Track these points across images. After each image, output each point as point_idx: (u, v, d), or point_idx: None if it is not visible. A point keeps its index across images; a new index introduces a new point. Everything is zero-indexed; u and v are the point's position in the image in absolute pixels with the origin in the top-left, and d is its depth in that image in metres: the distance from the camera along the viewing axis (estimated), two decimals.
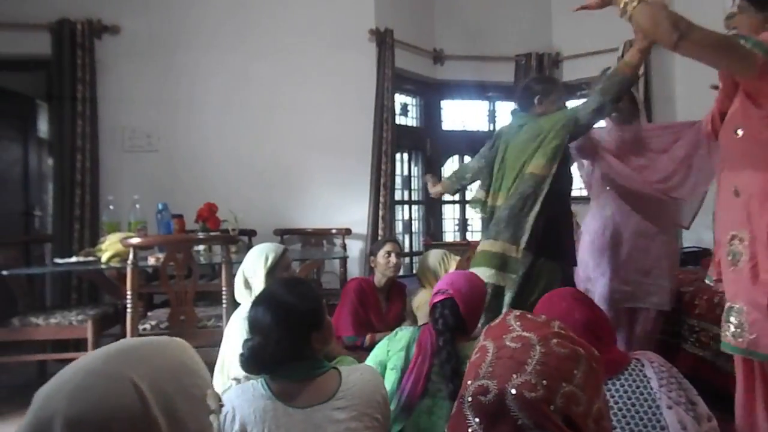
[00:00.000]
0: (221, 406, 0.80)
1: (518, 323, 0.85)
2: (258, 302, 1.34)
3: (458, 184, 2.69)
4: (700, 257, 3.40)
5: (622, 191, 2.60)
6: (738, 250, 1.59)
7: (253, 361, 1.26)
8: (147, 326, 2.69)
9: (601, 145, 2.61)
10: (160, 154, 3.91)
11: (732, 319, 1.60)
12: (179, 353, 0.79)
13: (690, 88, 4.07)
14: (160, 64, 3.90)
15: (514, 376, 0.76)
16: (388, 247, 2.67)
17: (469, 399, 0.78)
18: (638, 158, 2.57)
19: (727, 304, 1.65)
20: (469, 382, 0.81)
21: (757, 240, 1.54)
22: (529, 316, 0.89)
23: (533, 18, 4.81)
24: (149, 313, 2.90)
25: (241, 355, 1.27)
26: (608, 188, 2.66)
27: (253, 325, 1.30)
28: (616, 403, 1.19)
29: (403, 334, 1.72)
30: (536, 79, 2.83)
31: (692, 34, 1.53)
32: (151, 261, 2.75)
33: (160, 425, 0.67)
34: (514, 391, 0.74)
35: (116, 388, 0.67)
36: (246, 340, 1.29)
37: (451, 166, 5.02)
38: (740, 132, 1.62)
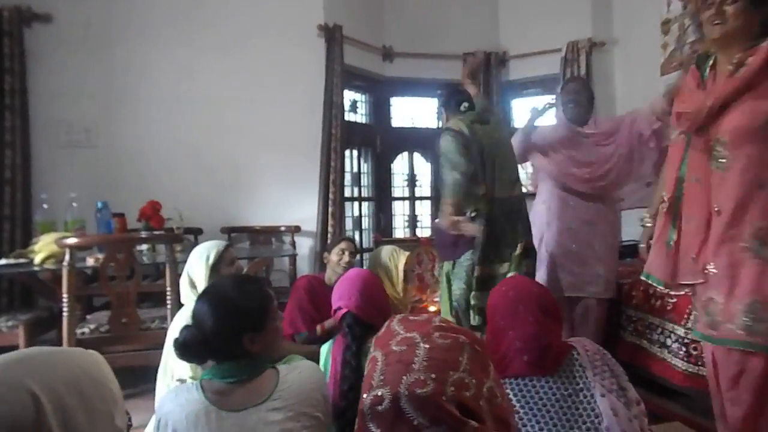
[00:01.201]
0: (130, 425, 0.78)
1: (401, 326, 0.88)
2: (203, 293, 1.33)
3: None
4: (638, 250, 3.55)
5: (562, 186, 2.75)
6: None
7: (184, 348, 1.25)
8: (86, 330, 2.58)
9: (538, 146, 2.76)
10: (99, 150, 3.74)
11: (752, 313, 1.54)
12: (88, 365, 0.76)
13: (630, 89, 4.27)
14: (98, 56, 3.73)
15: (404, 377, 0.78)
16: (343, 245, 2.65)
17: (368, 411, 0.80)
18: (587, 154, 2.71)
19: (748, 299, 1.56)
20: (364, 396, 0.83)
21: None
22: (411, 317, 0.91)
23: (481, 17, 4.89)
24: (88, 317, 2.79)
25: (176, 340, 1.25)
26: (546, 183, 2.81)
27: (193, 314, 1.29)
28: (555, 394, 1.23)
29: (324, 347, 1.74)
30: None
31: None
32: (90, 262, 2.64)
33: None
34: (406, 393, 0.76)
35: (11, 396, 0.65)
36: (184, 327, 1.28)
37: (400, 163, 5.04)
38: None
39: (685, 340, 2.33)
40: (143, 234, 2.90)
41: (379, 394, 0.79)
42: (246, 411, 1.16)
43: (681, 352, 2.36)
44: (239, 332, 1.24)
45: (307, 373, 1.29)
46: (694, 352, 2.29)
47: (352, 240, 2.75)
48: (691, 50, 3.54)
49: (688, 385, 2.32)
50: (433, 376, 0.77)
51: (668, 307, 2.48)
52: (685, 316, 2.34)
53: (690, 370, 2.31)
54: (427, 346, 0.81)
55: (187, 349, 1.25)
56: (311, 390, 1.24)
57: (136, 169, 3.74)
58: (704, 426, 2.08)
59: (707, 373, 1.78)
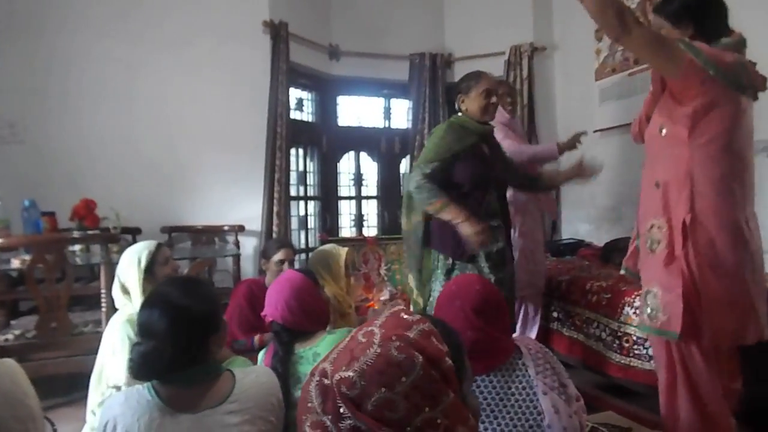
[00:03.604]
0: None
1: (381, 319, 0.86)
2: (151, 304, 1.23)
3: None
4: (576, 248, 3.72)
5: None
6: (656, 238, 1.71)
7: (145, 367, 1.16)
8: (10, 336, 2.43)
9: None
10: (27, 145, 3.54)
11: (648, 301, 1.73)
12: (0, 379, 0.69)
13: (568, 92, 4.45)
14: (26, 46, 3.52)
15: (343, 368, 0.77)
16: (281, 255, 2.55)
17: (316, 378, 0.80)
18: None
19: (644, 288, 1.76)
20: (322, 362, 0.83)
21: (674, 227, 1.66)
22: (403, 314, 0.88)
23: (427, 19, 4.95)
24: (13, 322, 2.63)
25: (131, 360, 1.17)
26: None
27: (146, 328, 1.20)
28: (498, 393, 1.26)
29: (261, 353, 1.74)
30: None
31: (635, 31, 1.59)
32: (16, 263, 2.50)
33: None
34: (335, 384, 0.76)
35: None
36: (136, 344, 1.19)
37: (347, 162, 5.03)
38: (664, 131, 1.74)
39: (618, 333, 2.45)
40: (75, 234, 2.76)
41: (326, 369, 0.80)
42: (202, 413, 1.15)
43: (614, 345, 2.47)
44: (206, 337, 1.22)
45: (264, 377, 1.29)
46: (626, 345, 2.41)
47: (290, 246, 2.67)
48: (623, 57, 3.73)
49: (621, 375, 2.44)
50: (363, 383, 0.75)
51: (603, 303, 2.59)
52: (618, 310, 2.46)
53: (622, 361, 2.43)
54: (379, 351, 0.78)
55: (149, 367, 1.16)
56: (267, 394, 1.25)
57: (69, 166, 3.56)
58: (636, 414, 2.19)
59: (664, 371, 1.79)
